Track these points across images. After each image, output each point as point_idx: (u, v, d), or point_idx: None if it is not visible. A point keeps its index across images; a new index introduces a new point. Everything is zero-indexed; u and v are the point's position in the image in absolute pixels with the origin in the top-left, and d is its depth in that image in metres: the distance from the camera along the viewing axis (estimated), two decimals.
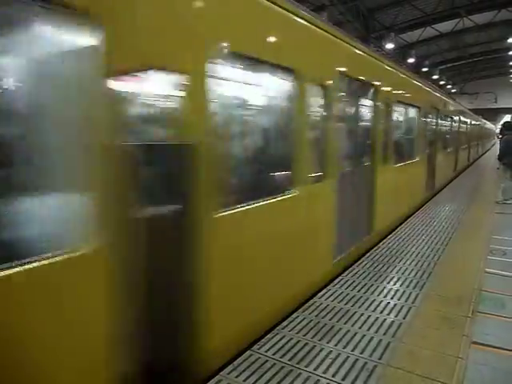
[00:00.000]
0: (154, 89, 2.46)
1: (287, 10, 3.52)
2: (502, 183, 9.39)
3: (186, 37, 2.50)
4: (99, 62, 1.96)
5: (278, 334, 3.23)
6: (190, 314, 2.58)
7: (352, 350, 2.99)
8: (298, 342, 3.10)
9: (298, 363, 2.82)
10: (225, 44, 2.79)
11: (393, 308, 3.70)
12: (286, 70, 3.55)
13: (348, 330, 3.29)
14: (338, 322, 3.44)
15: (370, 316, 3.55)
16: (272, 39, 3.39)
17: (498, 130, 27.12)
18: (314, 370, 2.75)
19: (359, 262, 5.01)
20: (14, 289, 1.70)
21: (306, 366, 2.78)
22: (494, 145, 36.33)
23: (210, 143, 2.65)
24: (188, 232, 2.56)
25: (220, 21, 2.77)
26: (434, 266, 4.84)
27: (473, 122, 20.02)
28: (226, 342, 2.92)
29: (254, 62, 3.18)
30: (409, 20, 21.25)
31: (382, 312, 3.63)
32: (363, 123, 5.79)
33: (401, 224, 6.99)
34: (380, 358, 2.87)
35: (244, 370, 2.72)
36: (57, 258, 1.80)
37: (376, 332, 3.26)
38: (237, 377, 2.65)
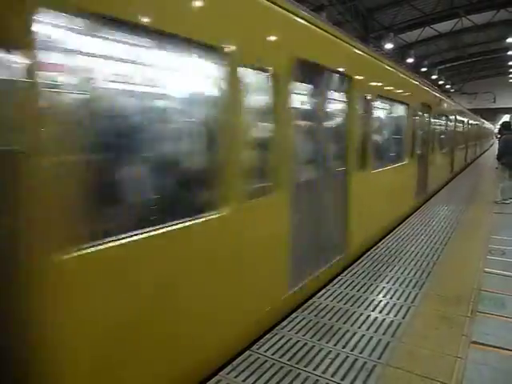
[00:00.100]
0: None
1: None
2: (500, 183, 9.40)
3: None
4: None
5: (277, 333, 3.22)
6: None
7: (351, 350, 2.99)
8: (297, 341, 3.10)
9: (297, 363, 2.82)
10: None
11: (392, 308, 3.70)
12: (205, 47, 2.66)
13: (347, 330, 3.29)
14: (337, 321, 3.44)
15: (369, 316, 3.55)
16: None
17: (496, 130, 27.16)
18: (313, 369, 2.74)
19: (359, 261, 5.01)
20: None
21: (305, 366, 2.78)
22: (492, 145, 36.36)
23: (59, 151, 1.85)
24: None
25: None
26: (433, 265, 4.84)
27: (470, 122, 19.69)
28: None
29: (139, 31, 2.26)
30: (408, 20, 21.26)
31: (381, 312, 3.62)
32: (334, 121, 4.87)
33: (385, 236, 6.22)
34: (379, 358, 2.87)
35: (243, 370, 2.72)
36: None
37: (375, 332, 3.26)
38: (236, 377, 2.65)
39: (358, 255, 5.26)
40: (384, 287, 4.19)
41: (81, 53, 2.03)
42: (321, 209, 4.40)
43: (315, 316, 3.53)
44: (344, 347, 3.03)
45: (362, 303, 3.80)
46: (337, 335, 3.21)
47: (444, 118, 12.03)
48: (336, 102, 4.87)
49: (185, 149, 2.83)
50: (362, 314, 3.57)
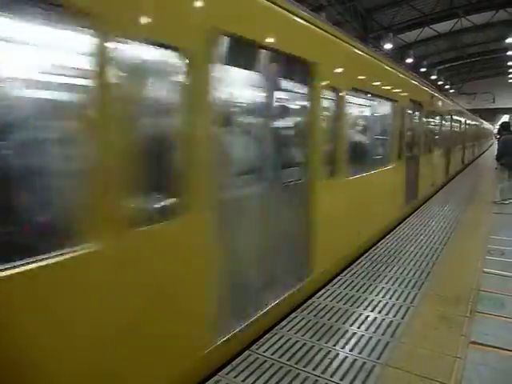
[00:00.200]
0: None
1: None
2: (499, 183, 9.41)
3: None
4: None
5: (276, 334, 3.22)
6: None
7: (350, 350, 2.99)
8: (297, 342, 3.10)
9: (296, 363, 2.82)
10: None
11: (391, 308, 3.70)
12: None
13: (346, 330, 3.29)
14: (336, 321, 3.44)
15: (368, 316, 3.55)
16: None
17: (495, 131, 27.19)
18: (313, 369, 2.75)
19: (358, 261, 5.01)
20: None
21: (304, 366, 2.78)
22: (491, 145, 36.40)
23: None
24: None
25: None
26: (432, 265, 4.85)
27: (468, 122, 19.20)
28: None
29: None
30: (407, 20, 21.28)
31: (380, 312, 3.63)
32: (288, 120, 4.06)
33: (366, 252, 5.43)
34: (378, 358, 2.87)
35: (243, 370, 2.72)
36: None
37: (374, 332, 3.26)
38: (235, 377, 2.65)
39: (331, 277, 4.43)
40: (383, 287, 4.20)
41: None
42: (266, 230, 3.49)
43: (314, 316, 3.54)
44: (343, 347, 3.03)
45: (362, 303, 3.81)
46: (336, 335, 3.21)
47: (438, 116, 11.29)
48: (292, 95, 4.12)
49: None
50: (361, 314, 3.58)
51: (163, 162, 2.48)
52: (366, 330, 3.30)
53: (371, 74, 5.75)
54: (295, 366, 2.79)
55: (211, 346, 2.75)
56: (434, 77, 30.60)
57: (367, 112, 6.52)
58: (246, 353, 2.94)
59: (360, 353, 2.96)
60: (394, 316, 3.54)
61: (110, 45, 1.98)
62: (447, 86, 37.97)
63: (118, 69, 2.03)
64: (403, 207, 7.54)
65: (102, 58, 1.96)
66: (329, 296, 3.97)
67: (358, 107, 6.13)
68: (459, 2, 19.40)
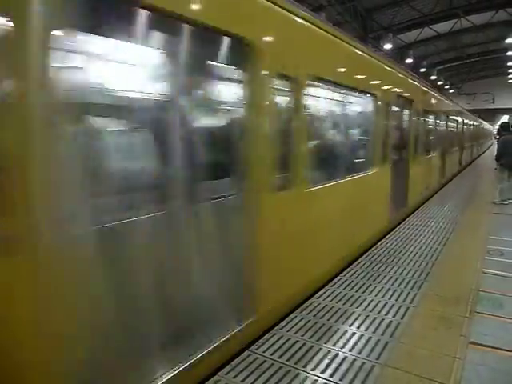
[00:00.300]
0: None
1: None
2: (499, 184, 9.42)
3: None
4: None
5: (275, 334, 3.22)
6: None
7: (350, 350, 2.99)
8: (296, 342, 3.10)
9: (296, 363, 2.82)
10: None
11: (391, 308, 3.71)
12: None
13: (346, 330, 3.29)
14: (336, 322, 3.44)
15: (368, 316, 3.55)
16: None
17: (495, 131, 27.21)
18: (312, 370, 2.75)
19: (357, 261, 5.01)
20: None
21: (303, 367, 2.78)
22: (491, 146, 36.42)
23: None
24: None
25: None
26: (431, 266, 4.85)
27: (466, 121, 18.65)
28: None
29: None
30: (407, 20, 21.31)
31: (379, 312, 3.63)
32: (208, 114, 3.21)
33: (338, 275, 4.53)
34: (378, 358, 2.87)
35: (242, 371, 2.72)
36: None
37: (374, 332, 3.26)
38: (235, 377, 2.65)
39: (283, 315, 3.55)
40: (383, 287, 4.20)
41: None
42: (167, 268, 2.57)
43: (314, 316, 3.54)
44: (343, 347, 3.03)
45: (361, 303, 3.81)
46: (336, 335, 3.21)
47: (432, 115, 10.36)
48: (222, 81, 3.34)
49: None
50: (360, 315, 3.58)
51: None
52: (366, 330, 3.30)
53: (342, 61, 4.73)
54: (295, 366, 2.79)
55: None
56: (433, 77, 30.65)
57: (339, 108, 5.29)
58: (246, 353, 2.94)
59: (359, 353, 2.96)
60: (394, 316, 3.54)
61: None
62: (447, 87, 38.00)
63: None
64: (390, 215, 6.61)
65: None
66: (328, 296, 3.97)
67: (326, 101, 5.03)
68: (459, 3, 19.43)
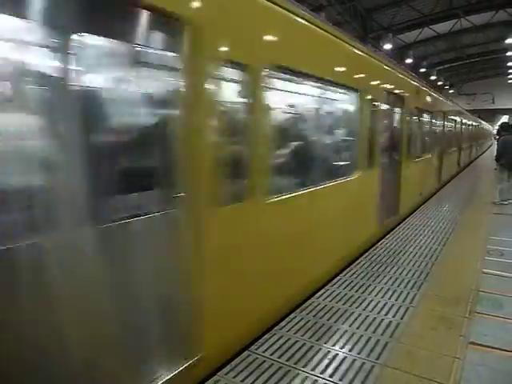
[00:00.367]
0: None
1: None
2: (499, 184, 9.42)
3: None
4: None
5: (275, 334, 3.22)
6: None
7: (350, 351, 2.99)
8: (296, 342, 3.10)
9: (295, 363, 2.82)
10: None
11: (390, 308, 3.71)
12: None
13: (346, 331, 3.29)
14: (335, 322, 3.44)
15: (367, 316, 3.55)
16: None
17: (495, 131, 27.20)
18: (312, 370, 2.75)
19: (357, 262, 5.01)
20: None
21: (303, 367, 2.78)
22: (491, 146, 36.41)
23: None
24: None
25: None
26: (431, 266, 4.85)
27: (465, 121, 18.27)
28: None
29: None
30: (406, 21, 21.28)
31: (379, 312, 3.63)
32: (130, 109, 2.43)
33: (313, 295, 4.01)
34: (377, 359, 2.88)
35: (242, 371, 2.72)
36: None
37: (374, 332, 3.26)
38: (234, 377, 2.65)
39: (236, 352, 3.01)
40: (382, 287, 4.20)
41: None
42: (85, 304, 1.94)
43: (314, 316, 3.54)
44: (342, 347, 3.04)
45: (361, 303, 3.81)
46: (335, 336, 3.21)
47: (428, 114, 9.78)
48: (137, 68, 2.52)
49: None
50: (360, 315, 3.58)
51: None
52: (365, 330, 3.30)
53: (313, 49, 4.00)
54: (294, 366, 2.79)
55: None
56: (433, 77, 30.64)
57: (312, 104, 4.64)
58: (246, 353, 2.94)
59: (359, 353, 2.96)
60: (393, 316, 3.54)
61: None
62: (447, 87, 37.99)
63: None
64: (378, 223, 6.08)
65: None
66: (328, 296, 3.97)
67: (294, 96, 4.33)
68: (459, 3, 19.41)
